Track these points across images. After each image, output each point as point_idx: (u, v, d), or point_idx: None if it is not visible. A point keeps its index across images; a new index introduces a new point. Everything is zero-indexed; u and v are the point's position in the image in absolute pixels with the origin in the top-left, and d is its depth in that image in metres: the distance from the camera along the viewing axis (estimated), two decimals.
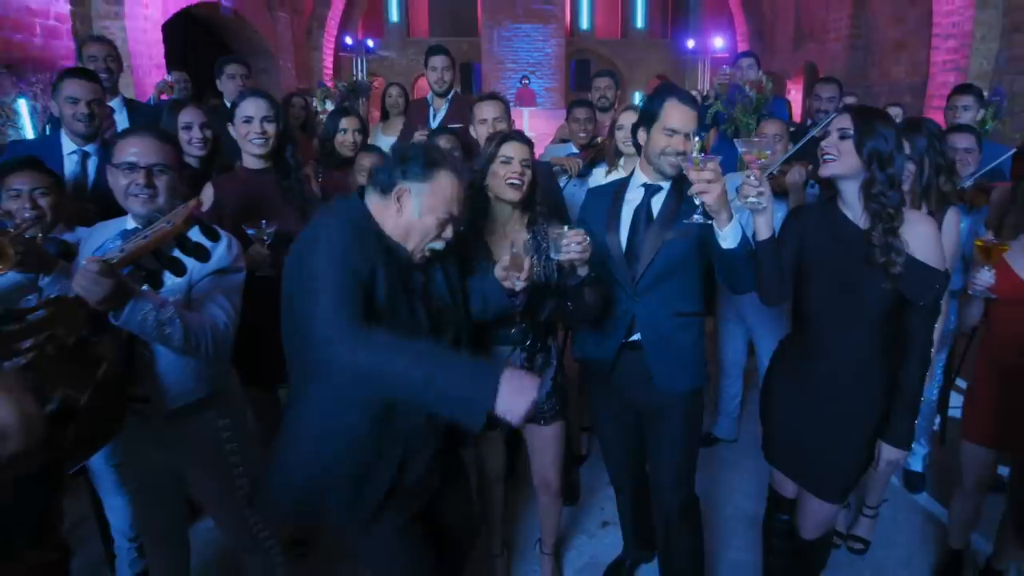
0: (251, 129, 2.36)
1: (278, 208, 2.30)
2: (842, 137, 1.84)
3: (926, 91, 7.85)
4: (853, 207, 1.90)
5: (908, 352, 1.93)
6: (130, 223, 1.80)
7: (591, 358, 2.24)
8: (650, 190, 2.07)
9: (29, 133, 5.12)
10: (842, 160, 1.85)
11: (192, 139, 2.63)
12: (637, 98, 7.51)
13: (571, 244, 1.78)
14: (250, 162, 2.43)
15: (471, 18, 16.38)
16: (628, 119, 2.90)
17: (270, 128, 2.37)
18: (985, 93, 5.13)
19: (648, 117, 2.03)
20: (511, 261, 1.78)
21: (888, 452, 1.97)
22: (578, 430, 3.43)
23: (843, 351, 1.95)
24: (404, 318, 1.61)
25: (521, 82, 13.43)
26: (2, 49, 5.22)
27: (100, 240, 1.79)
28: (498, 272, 1.81)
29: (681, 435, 2.17)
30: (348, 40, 13.00)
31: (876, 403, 1.96)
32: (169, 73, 5.42)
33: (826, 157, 1.87)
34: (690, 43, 13.73)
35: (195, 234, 1.41)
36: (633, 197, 2.11)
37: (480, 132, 2.90)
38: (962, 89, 3.68)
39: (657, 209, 2.06)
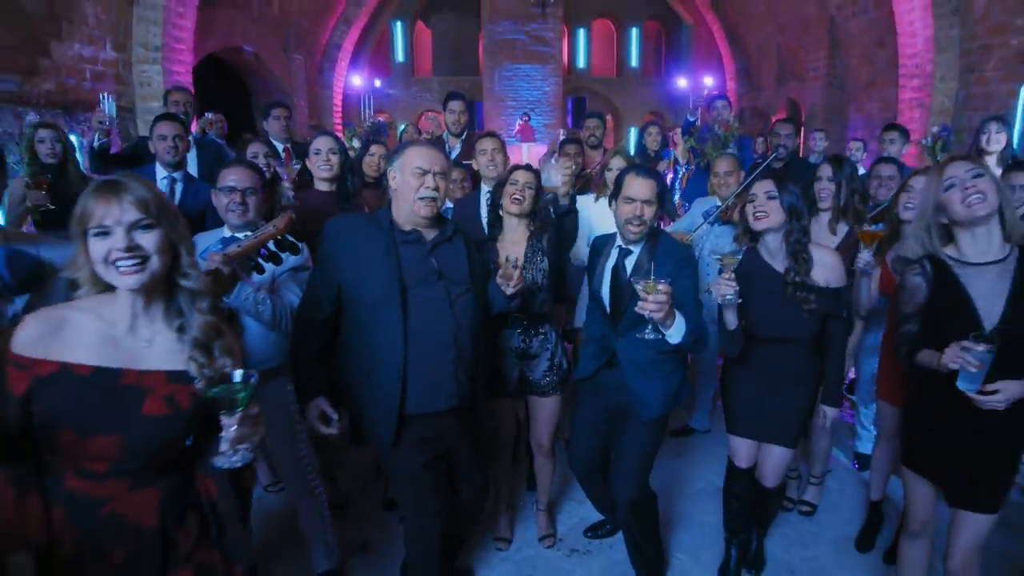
0: (320, 159, 3.01)
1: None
2: (770, 198, 2.41)
3: None
4: (773, 252, 2.46)
5: (830, 348, 2.51)
6: (226, 232, 2.37)
7: (578, 376, 2.68)
8: (623, 252, 2.47)
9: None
10: (772, 216, 2.41)
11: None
12: (632, 133, 8.10)
13: (557, 172, 2.33)
14: (320, 185, 3.08)
15: (473, 58, 17.19)
16: (617, 163, 3.43)
17: (334, 158, 3.01)
18: (935, 128, 5.77)
19: (616, 190, 2.45)
20: (503, 271, 2.30)
21: (829, 411, 2.57)
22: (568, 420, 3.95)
23: (782, 361, 2.52)
24: (381, 276, 2.11)
25: (521, 118, 14.13)
26: (58, 92, 5.86)
27: (204, 245, 2.33)
28: (498, 279, 2.31)
29: (645, 447, 2.54)
30: (357, 80, 13.73)
31: (812, 384, 2.57)
32: (208, 112, 6.03)
33: (758, 214, 2.42)
34: (681, 81, 14.45)
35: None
36: (612, 255, 2.50)
37: (481, 161, 3.37)
38: (890, 127, 4.30)
39: (629, 268, 2.42)
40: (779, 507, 2.94)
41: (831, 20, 10.22)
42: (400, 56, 17.30)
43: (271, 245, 1.98)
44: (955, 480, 2.05)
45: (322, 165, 3.04)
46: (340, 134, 10.40)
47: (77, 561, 1.36)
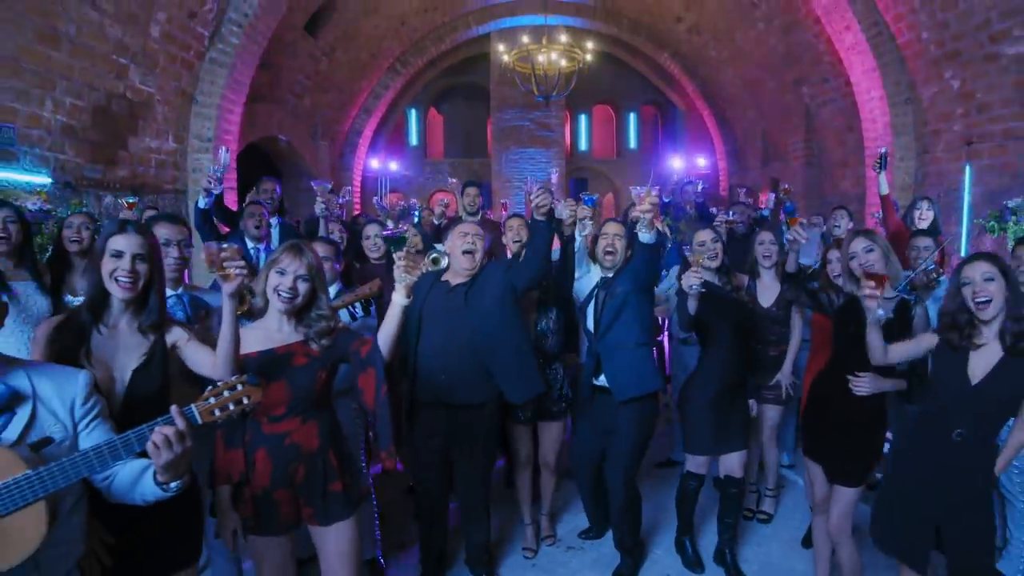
0: (369, 243, 3.97)
1: (389, 286, 3.76)
2: (715, 241, 3.30)
3: (866, 200, 9.40)
4: (710, 277, 3.28)
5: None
6: None
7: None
8: (602, 282, 3.35)
9: None
10: (719, 256, 3.31)
11: None
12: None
13: (564, 208, 3.21)
14: (372, 259, 3.98)
15: (481, 142, 18.42)
16: (611, 229, 4.28)
17: (380, 241, 3.90)
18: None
19: (597, 237, 3.38)
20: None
21: (752, 403, 3.48)
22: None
23: (723, 352, 3.33)
24: (414, 308, 2.93)
25: (526, 199, 15.17)
26: (130, 176, 6.86)
27: None
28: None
29: (630, 433, 3.25)
30: (375, 163, 14.96)
31: (745, 390, 3.41)
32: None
33: (710, 255, 3.30)
34: (676, 162, 15.54)
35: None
36: (594, 284, 3.38)
37: (508, 235, 4.14)
38: (837, 207, 5.16)
39: (604, 289, 3.31)
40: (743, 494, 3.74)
41: (806, 108, 11.35)
42: (414, 140, 18.59)
43: (363, 301, 2.88)
44: (830, 463, 2.82)
45: (372, 247, 4.04)
46: (359, 210, 11.48)
47: (273, 487, 2.18)
